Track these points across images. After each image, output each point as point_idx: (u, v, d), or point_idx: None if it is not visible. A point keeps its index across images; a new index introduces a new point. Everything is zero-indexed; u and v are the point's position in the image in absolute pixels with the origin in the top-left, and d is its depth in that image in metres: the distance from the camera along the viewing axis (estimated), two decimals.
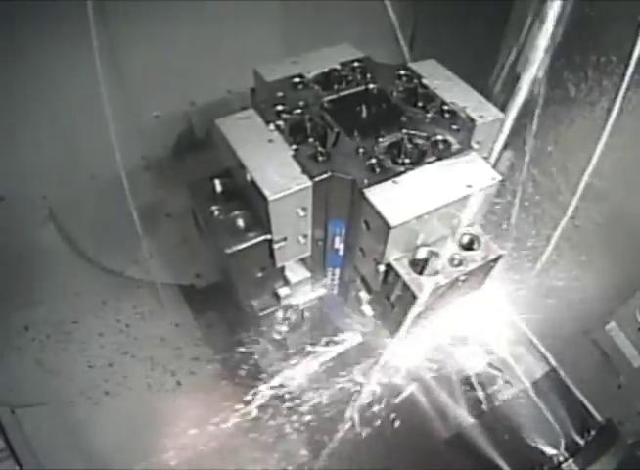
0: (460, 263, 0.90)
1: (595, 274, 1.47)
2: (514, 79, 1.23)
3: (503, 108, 1.01)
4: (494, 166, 0.92)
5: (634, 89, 1.18)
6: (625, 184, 1.35)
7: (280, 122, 0.93)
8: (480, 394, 1.41)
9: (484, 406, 1.41)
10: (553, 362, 1.51)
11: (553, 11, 1.02)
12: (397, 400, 1.37)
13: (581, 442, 1.37)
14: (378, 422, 1.40)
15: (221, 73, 1.64)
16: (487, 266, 0.92)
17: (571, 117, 1.34)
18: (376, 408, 1.37)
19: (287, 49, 1.75)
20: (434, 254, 0.91)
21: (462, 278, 0.90)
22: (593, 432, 1.39)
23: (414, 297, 0.86)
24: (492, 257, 0.91)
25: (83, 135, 1.60)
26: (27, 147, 1.57)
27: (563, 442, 1.35)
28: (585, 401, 1.46)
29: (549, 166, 1.45)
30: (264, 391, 1.34)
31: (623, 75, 1.17)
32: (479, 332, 1.40)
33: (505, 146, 1.12)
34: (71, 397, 1.53)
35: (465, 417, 1.39)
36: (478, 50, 1.50)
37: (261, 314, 1.07)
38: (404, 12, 1.76)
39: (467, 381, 1.42)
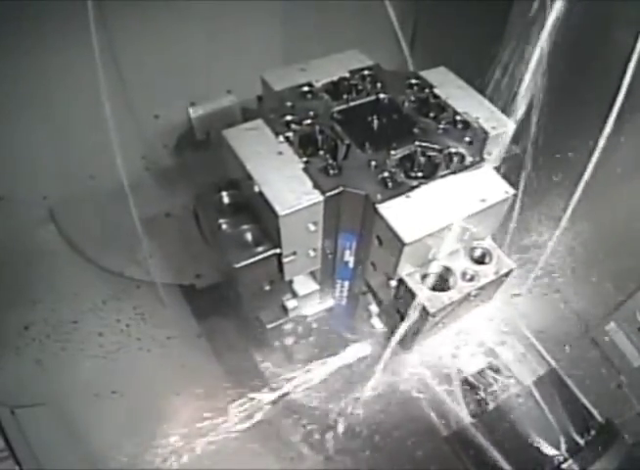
0: (472, 278, 0.89)
1: (595, 275, 1.47)
2: (514, 81, 1.22)
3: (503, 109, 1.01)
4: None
5: (634, 90, 1.17)
6: (625, 183, 1.35)
7: (289, 134, 0.92)
8: (480, 393, 1.41)
9: (484, 406, 1.41)
10: (552, 362, 1.51)
11: (553, 11, 1.00)
12: (398, 399, 1.37)
13: (581, 442, 1.37)
14: (378, 421, 1.40)
15: (221, 73, 1.63)
16: (499, 280, 0.92)
17: (571, 120, 1.33)
18: (376, 407, 1.37)
19: (287, 49, 1.74)
20: (446, 268, 0.90)
21: (474, 293, 0.89)
22: (593, 432, 1.40)
23: (427, 312, 0.86)
24: (504, 271, 0.91)
25: (83, 135, 1.59)
26: (27, 147, 1.56)
27: (563, 442, 1.36)
28: (585, 401, 1.46)
29: (549, 167, 1.44)
30: (267, 396, 1.34)
31: (622, 77, 1.16)
32: (478, 332, 1.40)
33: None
34: (72, 397, 1.52)
35: (464, 417, 1.39)
36: (478, 51, 1.49)
37: (269, 327, 1.06)
38: (404, 12, 1.74)
39: (466, 380, 1.42)
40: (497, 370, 1.44)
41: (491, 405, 1.40)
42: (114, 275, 1.75)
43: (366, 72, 1.04)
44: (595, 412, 1.43)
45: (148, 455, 1.37)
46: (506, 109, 1.02)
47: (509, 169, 1.02)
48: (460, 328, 1.31)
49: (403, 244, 0.79)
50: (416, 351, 1.25)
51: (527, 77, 1.05)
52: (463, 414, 1.38)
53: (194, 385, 1.52)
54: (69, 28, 1.29)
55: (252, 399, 1.35)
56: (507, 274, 0.91)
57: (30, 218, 1.75)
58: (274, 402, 1.33)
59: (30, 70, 1.42)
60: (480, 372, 1.42)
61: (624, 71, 1.15)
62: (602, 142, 1.24)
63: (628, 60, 1.14)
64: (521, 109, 1.05)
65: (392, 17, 1.68)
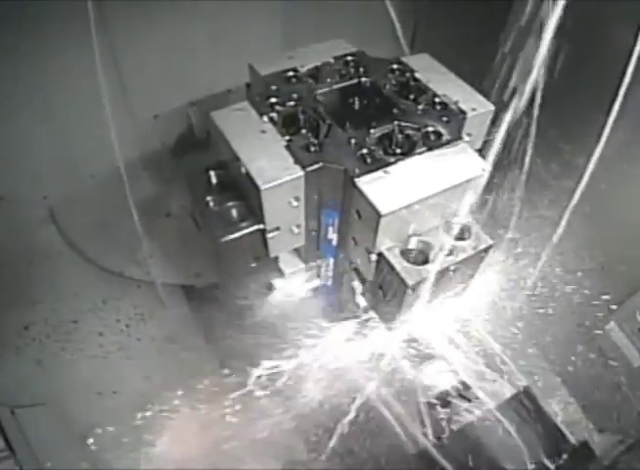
0: (451, 253, 0.91)
1: (595, 274, 1.47)
2: (513, 81, 1.24)
3: (503, 107, 1.02)
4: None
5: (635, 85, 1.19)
6: (626, 182, 1.36)
7: (273, 114, 0.94)
8: (446, 413, 1.41)
9: (449, 427, 1.40)
10: (524, 381, 1.50)
11: (553, 10, 1.02)
12: (364, 417, 1.37)
13: (552, 466, 1.36)
14: (346, 435, 1.40)
15: (221, 73, 1.65)
16: (478, 256, 0.93)
17: (571, 115, 1.34)
18: (345, 422, 1.37)
19: (287, 49, 1.74)
20: (425, 243, 0.91)
21: (453, 268, 0.91)
22: (565, 455, 1.38)
23: (405, 285, 0.87)
24: (483, 246, 0.92)
25: (83, 135, 1.61)
26: (27, 147, 1.58)
27: (531, 466, 1.34)
28: (558, 423, 1.45)
29: (549, 164, 1.46)
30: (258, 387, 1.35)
31: (623, 74, 1.18)
32: (447, 350, 1.40)
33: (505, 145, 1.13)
34: (72, 397, 1.52)
35: (428, 438, 1.38)
36: (478, 50, 1.50)
37: (256, 305, 1.08)
38: (405, 11, 1.77)
39: (434, 399, 1.41)
40: (466, 389, 1.43)
41: (457, 426, 1.40)
42: (114, 275, 1.76)
43: (349, 58, 1.07)
44: (569, 434, 1.42)
45: (148, 455, 1.37)
46: (505, 107, 1.03)
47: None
48: (429, 344, 1.32)
49: (380, 215, 0.81)
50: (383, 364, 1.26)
51: (527, 77, 1.07)
52: (427, 435, 1.37)
53: (195, 384, 1.53)
54: (70, 29, 1.31)
55: (249, 393, 1.36)
56: (486, 250, 0.93)
57: (30, 218, 1.76)
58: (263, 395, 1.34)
59: (31, 70, 1.44)
60: (449, 391, 1.42)
61: (624, 71, 1.17)
62: (602, 141, 1.25)
63: (628, 59, 1.15)
64: (520, 108, 1.06)
65: (393, 17, 1.71)
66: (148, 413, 1.46)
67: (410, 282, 0.87)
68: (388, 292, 0.94)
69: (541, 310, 1.54)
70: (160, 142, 1.81)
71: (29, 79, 1.46)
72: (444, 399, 1.43)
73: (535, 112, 1.31)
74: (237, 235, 0.90)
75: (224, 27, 1.64)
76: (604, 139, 1.25)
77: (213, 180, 0.98)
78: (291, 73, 1.03)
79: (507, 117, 1.01)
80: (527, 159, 1.42)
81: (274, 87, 1.00)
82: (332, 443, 1.40)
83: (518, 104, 1.07)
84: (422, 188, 0.85)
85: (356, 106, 0.98)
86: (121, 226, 1.55)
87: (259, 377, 1.38)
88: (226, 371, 1.58)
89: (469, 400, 1.44)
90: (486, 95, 1.03)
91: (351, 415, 1.36)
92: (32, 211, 1.76)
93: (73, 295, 1.73)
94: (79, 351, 1.64)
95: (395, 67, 1.06)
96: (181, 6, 1.52)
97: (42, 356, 1.61)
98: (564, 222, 1.42)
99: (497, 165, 0.96)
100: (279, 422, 1.44)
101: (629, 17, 1.17)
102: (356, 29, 1.64)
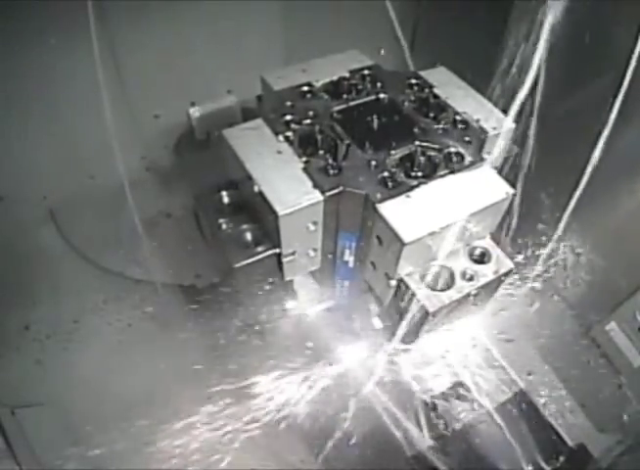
0: (472, 278, 0.89)
1: (595, 274, 1.47)
2: (514, 81, 1.22)
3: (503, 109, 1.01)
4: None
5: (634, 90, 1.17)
6: (626, 183, 1.35)
7: (289, 133, 0.91)
8: (443, 416, 1.41)
9: (446, 429, 1.40)
10: (521, 384, 1.50)
11: (553, 11, 1.00)
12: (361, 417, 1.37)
13: (548, 468, 1.36)
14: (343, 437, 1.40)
15: (221, 73, 1.64)
16: (498, 280, 0.92)
17: (571, 118, 1.33)
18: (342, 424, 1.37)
19: (287, 49, 1.75)
20: (445, 268, 0.90)
21: (473, 292, 0.89)
22: (562, 458, 1.39)
23: (426, 312, 0.86)
24: (503, 270, 0.91)
25: (83, 135, 1.60)
26: (28, 147, 1.57)
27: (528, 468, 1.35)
28: (556, 425, 1.45)
29: (549, 165, 1.45)
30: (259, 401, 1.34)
31: (623, 76, 1.16)
32: (445, 352, 1.39)
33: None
34: (72, 397, 1.52)
35: (425, 440, 1.38)
36: (478, 51, 1.49)
37: (268, 326, 1.06)
38: (404, 12, 1.75)
39: (430, 401, 1.41)
40: (464, 390, 1.43)
41: (454, 429, 1.40)
42: (114, 275, 1.76)
43: (366, 72, 1.04)
44: (566, 437, 1.42)
45: (148, 456, 1.37)
46: (506, 109, 1.02)
47: (509, 168, 1.02)
48: (426, 347, 1.31)
49: (403, 243, 0.79)
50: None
51: (528, 77, 1.05)
52: (423, 437, 1.37)
53: (196, 386, 1.52)
54: (70, 29, 1.30)
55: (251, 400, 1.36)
56: (506, 274, 0.91)
57: (30, 218, 1.75)
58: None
59: (31, 71, 1.43)
60: (445, 393, 1.41)
61: (625, 71, 1.15)
62: (601, 142, 1.24)
63: (629, 60, 1.14)
64: (520, 109, 1.04)
65: (393, 17, 1.69)
66: (148, 414, 1.45)
67: (431, 309, 0.85)
68: (406, 317, 0.92)
69: (540, 310, 1.54)
70: (160, 142, 1.80)
71: (29, 79, 1.45)
72: (442, 401, 1.43)
73: (535, 113, 1.29)
74: (252, 260, 0.88)
75: (224, 28, 1.63)
76: (604, 138, 1.24)
77: (225, 200, 0.95)
78: (305, 88, 1.00)
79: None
80: (526, 159, 1.40)
81: (289, 103, 0.97)
82: (329, 444, 1.40)
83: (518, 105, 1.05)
84: (446, 214, 0.83)
85: (375, 124, 0.95)
86: (121, 226, 1.53)
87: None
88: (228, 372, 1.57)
89: (466, 402, 1.44)
90: (487, 97, 1.02)
91: (348, 417, 1.36)
92: (32, 210, 1.75)
93: (74, 295, 1.73)
94: (80, 351, 1.63)
95: (414, 82, 1.03)
96: (181, 6, 1.50)
97: (42, 356, 1.61)
98: (563, 223, 1.41)
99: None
100: (278, 423, 1.44)
101: (629, 17, 1.15)
102: (356, 29, 1.63)
